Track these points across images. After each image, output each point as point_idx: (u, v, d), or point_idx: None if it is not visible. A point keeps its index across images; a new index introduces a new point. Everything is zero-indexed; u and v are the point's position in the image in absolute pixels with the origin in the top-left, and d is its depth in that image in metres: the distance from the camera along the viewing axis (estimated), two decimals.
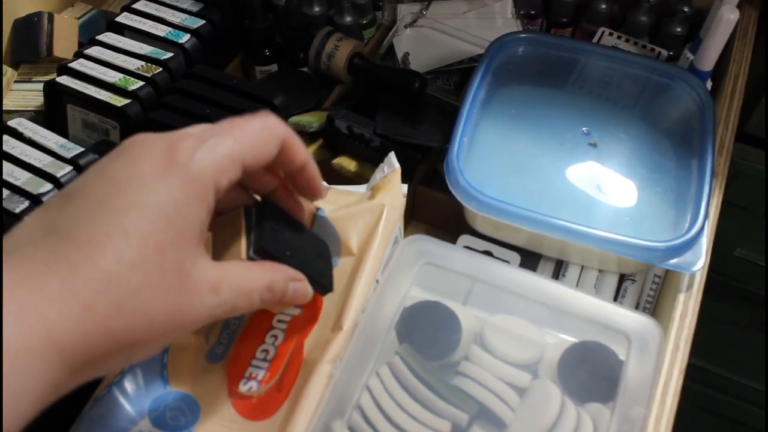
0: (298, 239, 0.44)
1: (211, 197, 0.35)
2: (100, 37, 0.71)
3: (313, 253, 0.45)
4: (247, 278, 0.38)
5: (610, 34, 0.74)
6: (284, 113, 0.64)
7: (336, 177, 0.63)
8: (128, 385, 0.46)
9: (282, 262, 0.41)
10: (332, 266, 0.47)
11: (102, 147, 0.63)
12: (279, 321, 0.48)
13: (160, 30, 0.72)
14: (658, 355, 0.46)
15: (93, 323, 0.30)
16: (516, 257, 0.58)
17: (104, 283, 0.31)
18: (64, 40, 0.75)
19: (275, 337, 0.47)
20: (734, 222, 0.95)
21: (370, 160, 0.62)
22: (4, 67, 0.72)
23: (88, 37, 0.73)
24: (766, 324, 1.08)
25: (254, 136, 0.37)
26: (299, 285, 0.41)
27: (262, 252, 0.40)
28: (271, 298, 0.39)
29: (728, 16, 0.59)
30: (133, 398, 0.46)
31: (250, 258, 0.40)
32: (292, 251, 0.42)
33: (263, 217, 0.41)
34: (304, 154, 0.41)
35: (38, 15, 0.75)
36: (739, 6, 0.62)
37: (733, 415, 1.29)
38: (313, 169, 0.42)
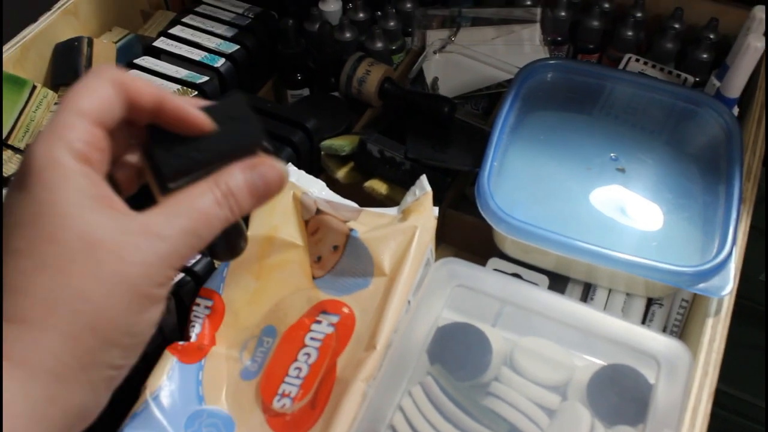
0: (203, 139, 0.37)
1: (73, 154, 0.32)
2: (137, 61, 0.73)
3: (235, 128, 0.38)
4: (194, 199, 0.34)
5: (637, 60, 0.75)
6: (317, 136, 0.66)
7: (368, 200, 0.64)
8: (165, 400, 0.47)
9: (200, 171, 0.36)
10: (258, 120, 0.38)
11: None
12: (312, 339, 0.49)
13: (196, 54, 0.74)
14: (688, 379, 0.46)
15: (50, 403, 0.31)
16: (545, 280, 0.59)
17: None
18: (102, 64, 0.77)
19: (308, 355, 0.48)
20: (759, 247, 0.95)
21: (401, 183, 0.63)
22: (44, 89, 0.74)
23: (125, 61, 0.75)
24: None
25: (82, 91, 0.34)
26: (264, 169, 0.36)
27: (172, 177, 0.35)
28: (234, 203, 0.35)
29: (755, 44, 0.60)
30: (170, 414, 0.47)
31: (166, 194, 0.35)
32: (203, 151, 0.36)
33: (154, 144, 0.36)
34: (150, 90, 0.35)
35: (78, 40, 0.77)
36: (766, 35, 0.63)
37: None
38: (173, 102, 0.36)
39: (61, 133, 0.32)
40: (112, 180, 0.36)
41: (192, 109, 0.36)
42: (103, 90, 0.34)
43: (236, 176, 0.36)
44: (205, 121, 0.36)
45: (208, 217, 0.34)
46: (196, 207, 0.34)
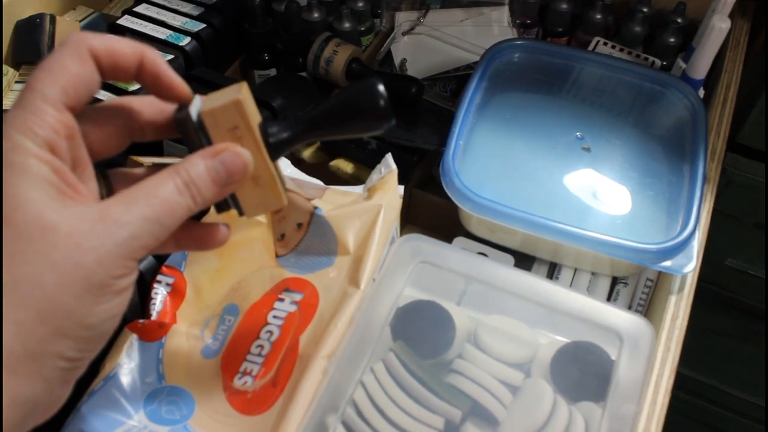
0: None
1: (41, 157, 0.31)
2: None
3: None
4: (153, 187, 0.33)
5: (605, 43, 0.75)
6: (282, 116, 0.65)
7: (333, 179, 0.63)
8: (124, 378, 0.47)
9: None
10: None
11: None
12: (274, 317, 0.48)
13: (161, 33, 0.73)
14: (650, 354, 0.46)
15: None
16: (510, 259, 0.59)
17: None
18: (74, 33, 0.76)
19: (270, 332, 0.48)
20: (726, 231, 0.96)
21: (367, 162, 0.63)
22: (5, 67, 0.73)
23: None
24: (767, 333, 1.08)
25: (54, 69, 0.32)
26: (227, 156, 0.35)
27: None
28: (196, 191, 0.34)
29: (720, 25, 0.60)
30: (129, 392, 0.46)
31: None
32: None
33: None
34: (133, 50, 0.35)
35: (40, 17, 0.76)
36: (731, 16, 0.63)
37: (722, 426, 1.29)
38: (154, 63, 0.35)
39: (26, 118, 0.31)
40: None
41: (171, 72, 0.36)
42: (73, 68, 0.33)
43: (197, 164, 0.35)
44: (184, 88, 0.36)
45: (169, 204, 0.33)
46: (156, 194, 0.33)
